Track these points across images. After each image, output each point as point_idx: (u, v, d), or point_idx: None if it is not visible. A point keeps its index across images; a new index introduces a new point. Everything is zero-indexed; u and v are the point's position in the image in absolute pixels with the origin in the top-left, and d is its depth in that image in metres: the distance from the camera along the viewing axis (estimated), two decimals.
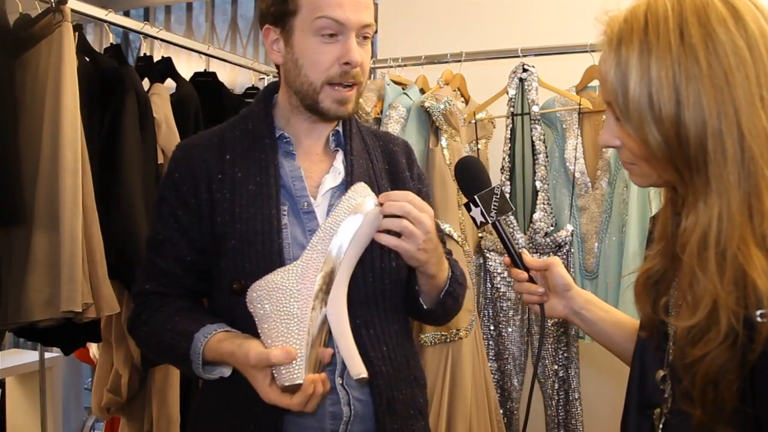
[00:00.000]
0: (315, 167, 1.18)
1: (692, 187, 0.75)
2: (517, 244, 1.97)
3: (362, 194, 1.06)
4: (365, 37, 1.13)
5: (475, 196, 1.07)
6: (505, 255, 1.11)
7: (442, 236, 1.27)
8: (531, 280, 1.09)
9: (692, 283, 0.75)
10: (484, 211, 1.07)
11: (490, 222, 1.07)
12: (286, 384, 0.97)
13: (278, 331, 0.99)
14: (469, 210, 1.09)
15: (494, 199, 1.08)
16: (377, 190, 1.16)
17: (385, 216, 1.04)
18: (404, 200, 1.04)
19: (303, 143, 1.19)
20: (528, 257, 1.10)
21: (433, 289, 1.16)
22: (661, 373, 0.85)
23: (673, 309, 0.85)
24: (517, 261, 1.09)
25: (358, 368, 1.02)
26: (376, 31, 1.20)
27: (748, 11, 0.74)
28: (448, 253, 1.26)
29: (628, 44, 0.76)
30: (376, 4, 1.19)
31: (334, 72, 1.09)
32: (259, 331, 1.02)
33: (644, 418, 0.87)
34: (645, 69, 0.74)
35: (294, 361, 0.97)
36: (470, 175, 1.11)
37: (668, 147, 0.75)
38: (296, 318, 0.99)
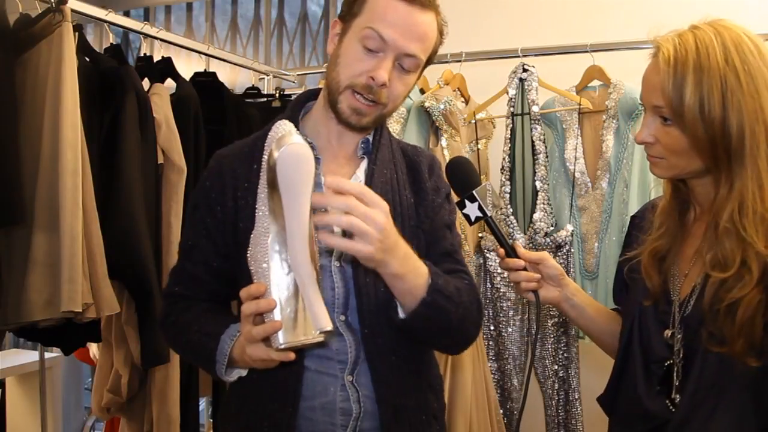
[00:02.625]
0: (340, 170, 1.19)
1: (727, 170, 0.99)
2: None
3: (278, 134, 0.98)
4: (404, 68, 1.11)
5: (473, 192, 1.09)
6: (499, 247, 1.17)
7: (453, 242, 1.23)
8: (525, 270, 1.17)
9: (723, 242, 0.98)
10: (482, 205, 1.10)
11: (488, 215, 1.10)
12: (277, 347, 0.97)
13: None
14: (462, 207, 1.10)
15: (488, 194, 1.10)
16: (399, 200, 1.17)
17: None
18: (355, 192, 0.95)
19: (333, 145, 1.20)
20: (522, 250, 1.18)
21: (406, 295, 1.05)
22: (669, 332, 1.05)
23: (679, 277, 1.08)
24: (510, 252, 1.16)
25: (319, 320, 0.97)
26: (425, 66, 1.18)
27: (765, 49, 1.01)
28: (456, 268, 1.19)
29: (684, 63, 0.98)
30: None
31: (359, 81, 1.10)
32: None
33: (650, 372, 1.06)
34: (698, 81, 0.97)
35: (276, 328, 0.96)
36: (464, 174, 1.12)
37: (713, 140, 0.98)
38: (261, 281, 0.98)
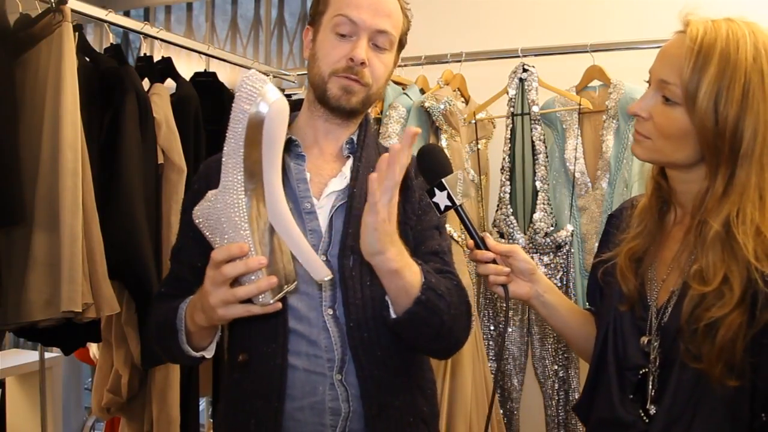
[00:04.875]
0: (326, 166, 1.21)
1: (727, 168, 0.94)
2: (518, 245, 1.97)
3: (256, 87, 0.92)
4: (379, 46, 1.16)
5: (442, 180, 1.07)
6: (468, 238, 1.13)
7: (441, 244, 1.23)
8: (494, 263, 1.13)
9: (708, 251, 0.93)
10: (451, 194, 1.07)
11: (457, 204, 1.07)
12: (265, 303, 0.96)
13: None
14: (432, 196, 1.08)
15: (459, 183, 1.08)
16: None
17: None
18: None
19: (320, 143, 1.22)
20: (491, 241, 1.13)
21: (401, 292, 1.04)
22: (645, 339, 1.01)
23: (656, 282, 1.04)
24: (479, 243, 1.12)
25: (319, 271, 0.96)
26: (400, 50, 1.23)
27: None
28: (443, 269, 1.19)
29: (711, 47, 0.93)
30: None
31: (340, 66, 1.14)
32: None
33: (625, 379, 1.02)
34: (721, 71, 0.92)
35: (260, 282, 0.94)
36: (433, 162, 1.10)
37: (720, 135, 0.93)
38: (237, 242, 0.94)
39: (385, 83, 1.22)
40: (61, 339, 1.87)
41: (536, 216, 1.95)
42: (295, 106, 1.28)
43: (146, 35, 2.05)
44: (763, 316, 0.89)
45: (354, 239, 1.09)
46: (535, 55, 2.09)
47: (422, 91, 2.17)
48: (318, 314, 1.12)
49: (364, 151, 1.21)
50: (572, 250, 1.97)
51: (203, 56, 2.32)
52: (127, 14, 3.76)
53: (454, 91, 2.15)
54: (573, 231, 1.97)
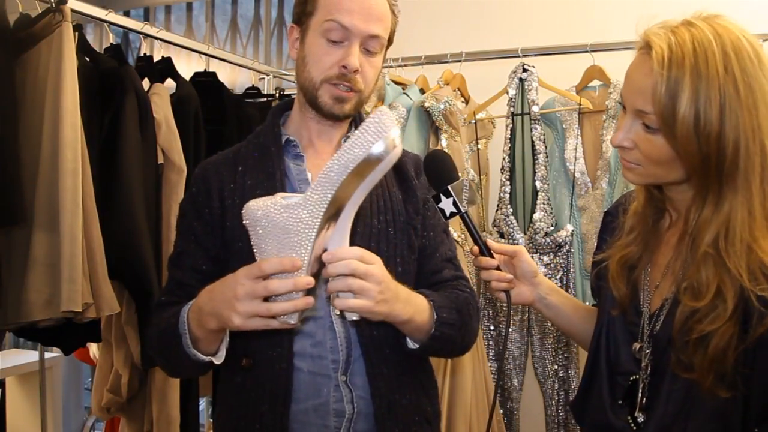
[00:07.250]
0: (324, 165, 1.19)
1: (716, 189, 0.91)
2: (516, 244, 1.97)
3: (388, 125, 0.93)
4: (370, 50, 1.14)
5: (448, 187, 1.08)
6: (473, 245, 1.14)
7: (448, 251, 1.24)
8: (497, 269, 1.14)
9: (700, 269, 0.91)
10: (457, 201, 1.08)
11: (463, 211, 1.09)
12: (290, 323, 0.95)
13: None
14: (438, 201, 1.10)
15: (464, 189, 1.09)
16: (389, 197, 1.18)
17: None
18: (350, 257, 0.95)
19: (315, 144, 1.22)
20: (494, 244, 1.14)
21: (414, 333, 1.09)
22: (637, 345, 1.00)
23: (649, 288, 1.02)
24: (483, 250, 1.13)
25: None
26: (387, 47, 1.21)
27: (764, 54, 0.91)
28: (457, 274, 1.22)
29: (680, 66, 0.88)
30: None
31: (333, 73, 1.12)
32: (256, 256, 0.96)
33: (616, 385, 1.02)
34: (695, 90, 0.87)
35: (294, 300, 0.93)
36: (440, 167, 1.11)
37: (707, 157, 0.88)
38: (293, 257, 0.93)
39: (375, 84, 1.22)
40: (61, 339, 1.87)
41: (536, 216, 1.96)
42: (286, 105, 1.28)
43: (146, 35, 2.05)
44: (756, 331, 0.88)
45: (359, 238, 1.10)
46: (535, 55, 2.09)
47: (422, 91, 2.17)
48: (325, 313, 1.12)
49: None
50: (572, 250, 1.97)
51: (203, 56, 2.32)
52: (127, 14, 3.76)
53: (454, 91, 2.15)
54: (573, 231, 1.97)
